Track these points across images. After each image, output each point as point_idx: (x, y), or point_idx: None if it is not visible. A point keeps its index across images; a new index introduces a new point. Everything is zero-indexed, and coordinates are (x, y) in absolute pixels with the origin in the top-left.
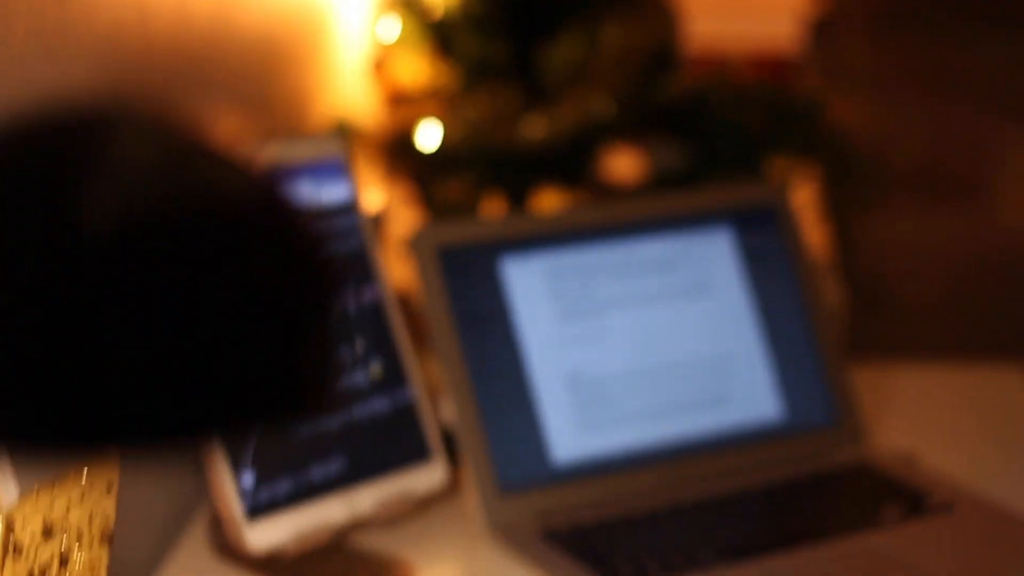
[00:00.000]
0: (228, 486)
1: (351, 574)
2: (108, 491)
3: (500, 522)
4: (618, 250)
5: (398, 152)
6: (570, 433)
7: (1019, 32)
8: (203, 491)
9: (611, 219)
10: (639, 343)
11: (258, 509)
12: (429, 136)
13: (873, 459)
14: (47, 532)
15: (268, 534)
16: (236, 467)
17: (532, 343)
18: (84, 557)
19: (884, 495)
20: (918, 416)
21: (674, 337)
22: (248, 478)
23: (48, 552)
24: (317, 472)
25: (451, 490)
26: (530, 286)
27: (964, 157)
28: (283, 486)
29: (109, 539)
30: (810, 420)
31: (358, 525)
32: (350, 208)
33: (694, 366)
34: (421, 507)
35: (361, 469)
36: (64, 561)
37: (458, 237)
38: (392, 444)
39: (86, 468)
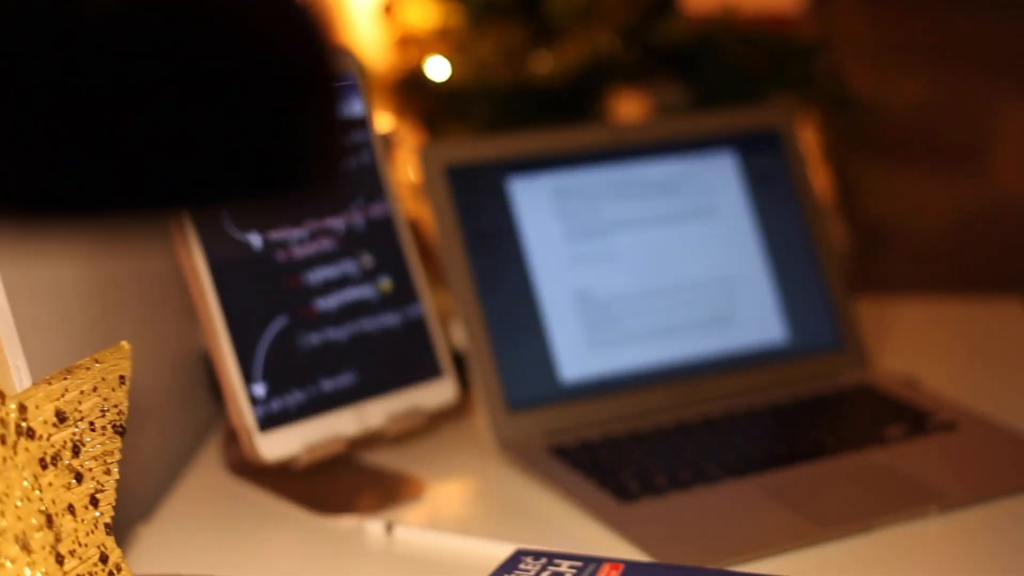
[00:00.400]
0: (241, 397)
1: (362, 489)
2: (121, 384)
3: (508, 439)
4: (624, 172)
5: (408, 92)
6: (578, 352)
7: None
8: (216, 415)
9: (617, 141)
10: (645, 264)
11: (270, 420)
12: (438, 71)
13: (877, 382)
14: (60, 419)
15: (280, 444)
16: (248, 378)
17: (540, 262)
18: (97, 447)
19: (888, 415)
20: (920, 345)
21: (680, 258)
22: (260, 389)
23: (61, 439)
24: (328, 385)
25: (461, 412)
26: (537, 205)
27: (959, 120)
28: (295, 398)
29: (122, 431)
30: (815, 343)
31: (369, 438)
32: (362, 124)
33: (700, 288)
34: (432, 424)
35: (372, 383)
36: (77, 449)
37: (466, 155)
38: (402, 359)
39: (97, 361)
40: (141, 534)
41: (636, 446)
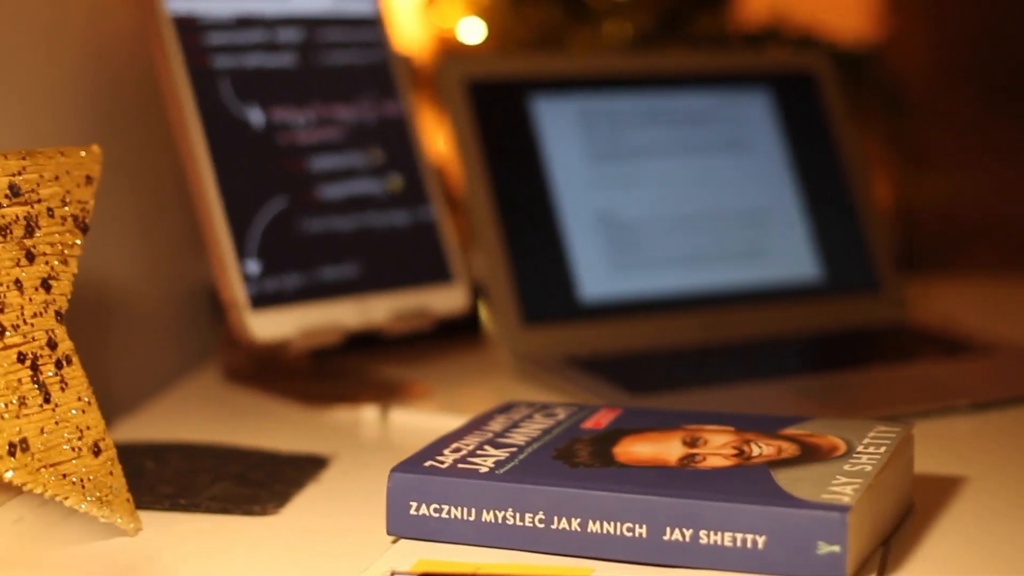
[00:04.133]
0: (232, 270)
1: (363, 390)
2: (87, 183)
3: (523, 351)
4: (653, 100)
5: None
6: (600, 272)
7: None
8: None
9: (646, 69)
10: (671, 191)
11: (264, 298)
12: (472, 34)
13: (913, 322)
14: (13, 193)
15: (273, 324)
16: (242, 254)
17: (562, 181)
18: (55, 235)
19: (924, 342)
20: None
21: (708, 188)
22: (254, 266)
23: (13, 213)
24: (329, 272)
25: (476, 347)
26: (561, 126)
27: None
28: (291, 280)
29: (84, 228)
30: (849, 282)
31: (371, 332)
32: (375, 21)
33: (728, 218)
34: (446, 350)
35: (376, 277)
36: (31, 230)
37: (487, 70)
38: (410, 258)
39: (62, 153)
40: (123, 422)
41: (654, 361)
